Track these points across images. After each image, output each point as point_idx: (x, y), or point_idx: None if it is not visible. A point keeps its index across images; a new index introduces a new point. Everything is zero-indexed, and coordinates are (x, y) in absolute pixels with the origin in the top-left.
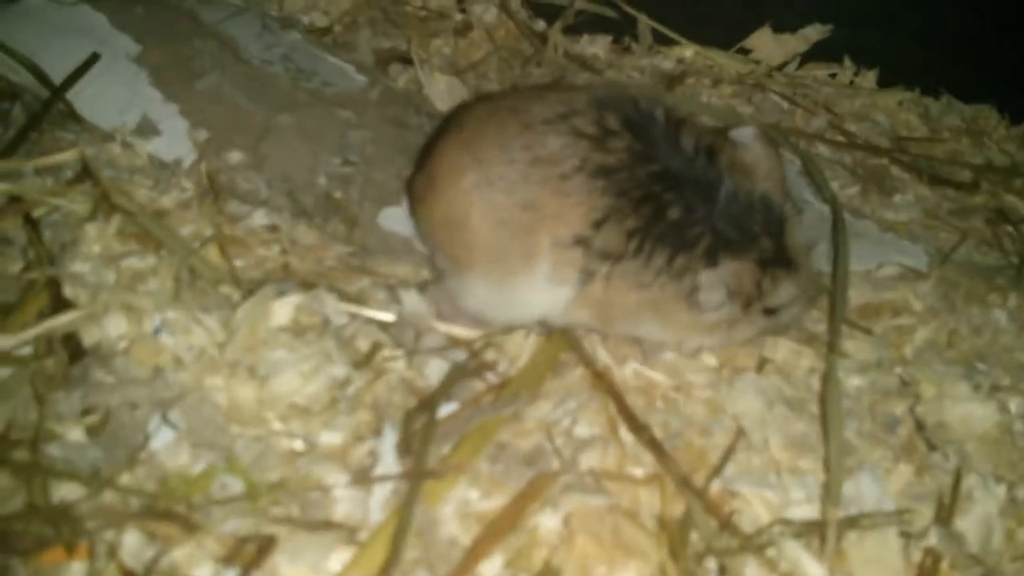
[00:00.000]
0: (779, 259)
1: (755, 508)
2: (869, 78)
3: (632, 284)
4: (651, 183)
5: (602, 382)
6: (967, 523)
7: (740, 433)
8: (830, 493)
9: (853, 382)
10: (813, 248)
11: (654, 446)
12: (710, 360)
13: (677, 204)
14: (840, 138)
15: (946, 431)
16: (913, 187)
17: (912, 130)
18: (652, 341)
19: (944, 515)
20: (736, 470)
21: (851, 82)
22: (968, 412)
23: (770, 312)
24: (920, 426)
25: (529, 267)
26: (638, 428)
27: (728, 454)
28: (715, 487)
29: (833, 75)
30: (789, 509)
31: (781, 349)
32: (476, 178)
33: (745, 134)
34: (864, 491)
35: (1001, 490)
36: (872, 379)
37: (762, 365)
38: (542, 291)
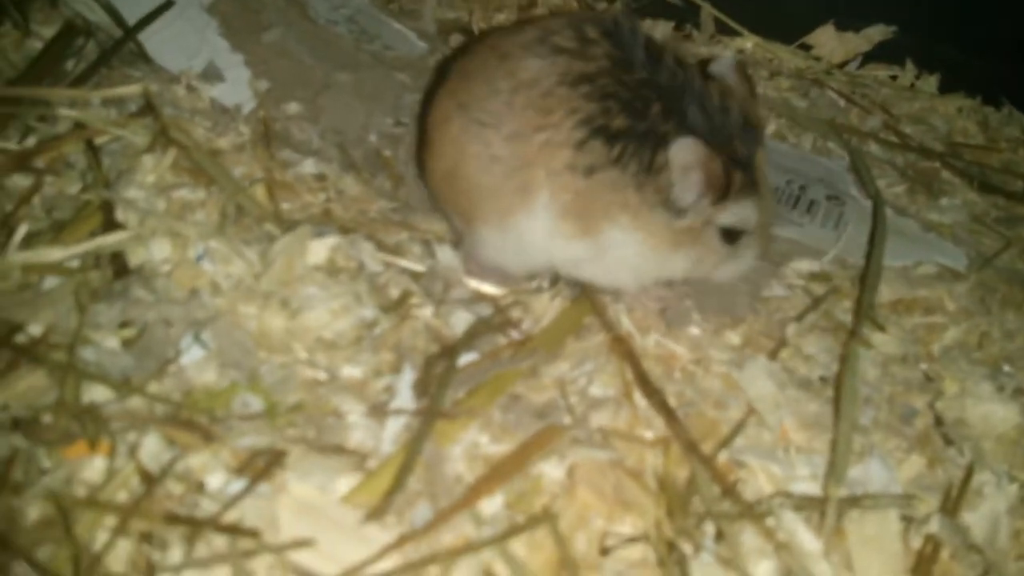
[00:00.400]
0: (746, 169)
1: (759, 479)
2: (930, 83)
3: (609, 187)
4: (634, 87)
5: (620, 346)
6: (974, 518)
7: (753, 410)
8: (834, 470)
9: (875, 372)
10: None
11: (664, 409)
12: (733, 338)
13: (657, 103)
14: (893, 138)
15: (964, 428)
16: (962, 192)
17: (969, 137)
18: (624, 266)
19: (950, 507)
20: (745, 443)
21: (911, 85)
22: (989, 411)
23: (729, 236)
24: (939, 421)
25: (527, 202)
26: (651, 391)
27: (739, 427)
28: (723, 457)
29: (894, 77)
30: (793, 484)
31: (806, 334)
32: (462, 122)
33: (723, 64)
34: (873, 475)
35: (1013, 489)
36: (895, 371)
37: (781, 348)
38: (543, 226)
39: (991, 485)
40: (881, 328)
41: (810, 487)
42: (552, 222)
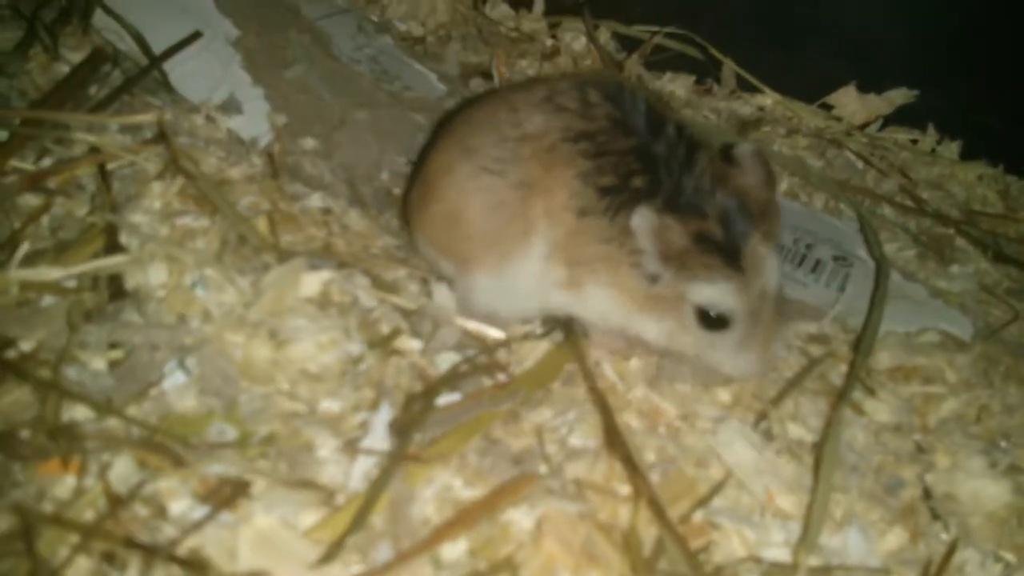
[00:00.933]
0: (726, 251)
1: (732, 543)
2: (951, 148)
3: (596, 237)
4: (624, 151)
5: (597, 396)
6: None
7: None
8: (806, 536)
9: (866, 439)
10: (782, 298)
11: (630, 464)
12: (723, 396)
13: (645, 175)
14: (909, 203)
15: (953, 503)
16: (975, 260)
17: (987, 205)
18: (609, 321)
19: None
20: (724, 504)
21: (932, 150)
22: (980, 488)
23: (710, 322)
24: (927, 494)
25: (525, 246)
26: (619, 445)
27: (716, 489)
28: (698, 517)
29: (915, 141)
30: (766, 549)
31: (798, 397)
32: (469, 168)
33: (742, 150)
34: (850, 546)
35: (997, 569)
36: (886, 440)
37: (771, 409)
38: (536, 268)
39: (974, 564)
40: (871, 392)
41: (782, 553)
42: (544, 264)
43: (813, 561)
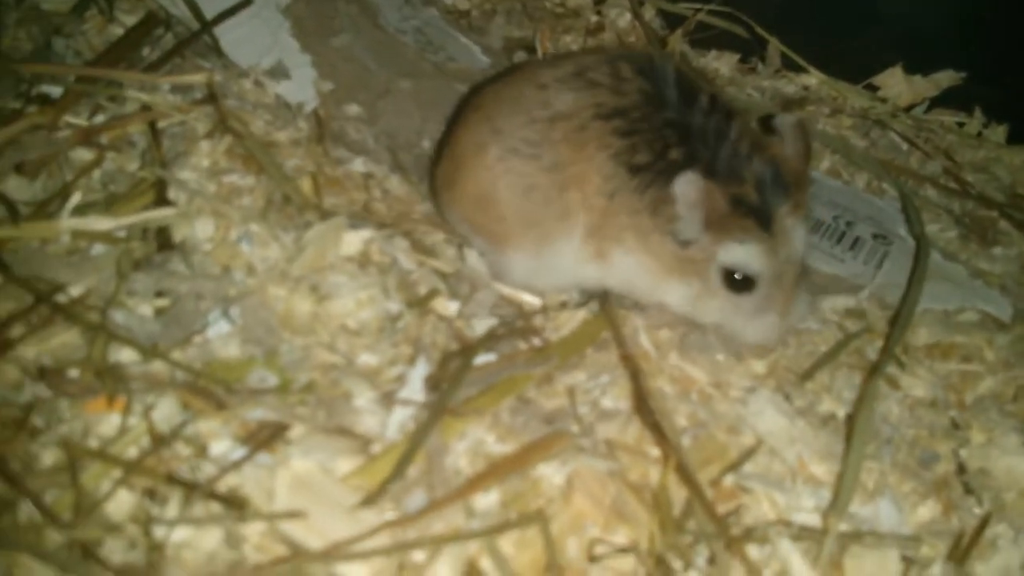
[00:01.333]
0: (758, 214)
1: (763, 507)
2: (998, 132)
3: (626, 209)
4: (660, 125)
5: (629, 362)
6: (984, 570)
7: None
8: (837, 502)
9: (900, 413)
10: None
11: (656, 428)
12: (757, 367)
13: (681, 147)
14: (953, 185)
15: (986, 478)
16: (1019, 243)
17: None
18: (636, 288)
19: (959, 555)
20: (754, 469)
21: (979, 134)
22: (1015, 464)
23: (735, 283)
24: (961, 469)
25: (566, 228)
26: (646, 409)
27: (748, 453)
28: (728, 481)
29: (961, 124)
30: (795, 514)
31: (833, 370)
32: (499, 150)
33: (783, 120)
34: (882, 515)
35: None
36: (921, 414)
37: (805, 381)
38: (572, 248)
39: (1006, 539)
40: (904, 367)
41: (812, 519)
42: (579, 243)
43: (843, 527)
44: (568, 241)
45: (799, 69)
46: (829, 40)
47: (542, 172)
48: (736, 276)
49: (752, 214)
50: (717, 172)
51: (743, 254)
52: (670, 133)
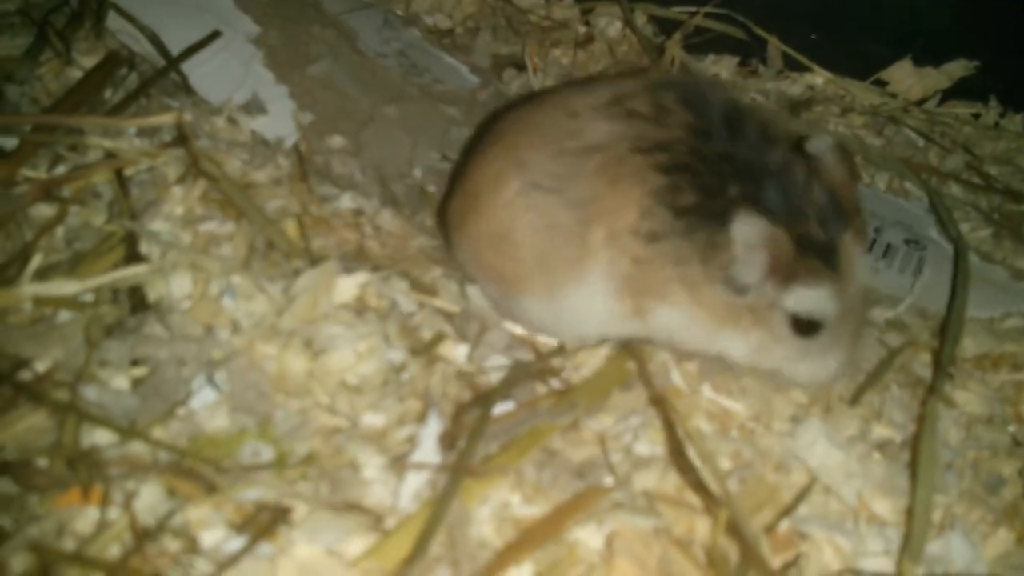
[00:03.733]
0: (824, 253)
1: (824, 554)
2: (1015, 121)
3: (670, 260)
4: (711, 160)
5: (660, 402)
6: None
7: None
8: (910, 546)
9: (958, 434)
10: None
11: (698, 485)
12: (800, 397)
13: (733, 180)
14: (976, 180)
15: None
16: None
17: None
18: (686, 344)
19: None
20: (810, 511)
21: (996, 124)
22: None
23: (802, 327)
24: None
25: (581, 273)
26: (682, 459)
27: (802, 494)
28: (784, 527)
29: (977, 115)
30: (863, 560)
31: (881, 391)
32: (521, 184)
33: (820, 144)
34: (954, 552)
35: None
36: (980, 433)
37: (856, 401)
38: (596, 297)
39: None
40: (957, 382)
41: (882, 563)
42: (605, 296)
43: (917, 572)
44: (581, 288)
45: (802, 68)
46: (831, 36)
47: (566, 210)
48: (804, 320)
49: (818, 255)
50: (775, 209)
51: (813, 299)
52: (719, 169)
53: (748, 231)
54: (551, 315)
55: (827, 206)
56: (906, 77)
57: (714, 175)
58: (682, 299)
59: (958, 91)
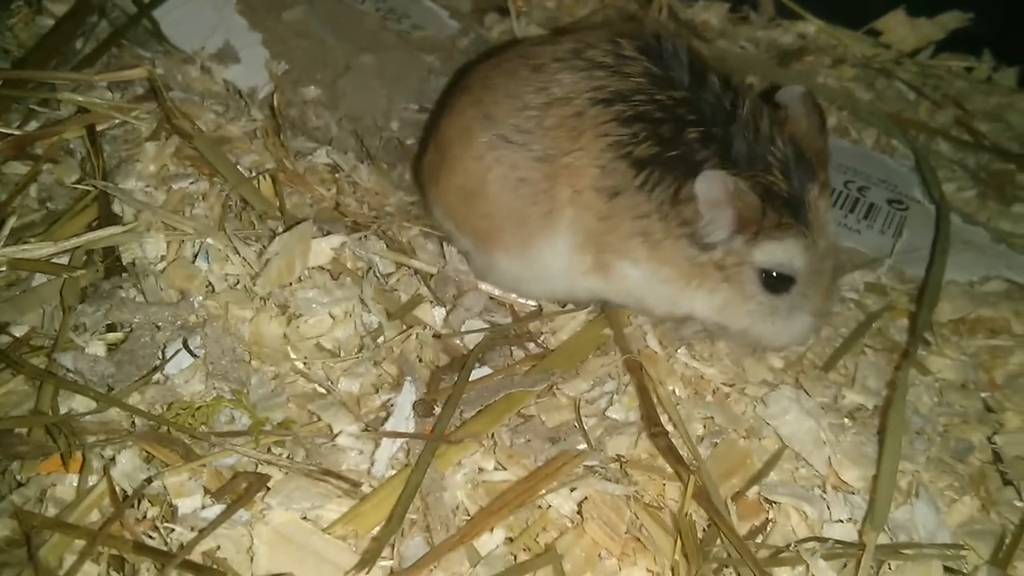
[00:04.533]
0: (793, 205)
1: (791, 520)
2: (1009, 76)
3: (631, 214)
4: (670, 106)
5: (636, 371)
6: None
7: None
8: (873, 514)
9: (930, 401)
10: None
11: (669, 452)
12: (775, 361)
13: (694, 127)
14: (966, 136)
15: None
16: None
17: None
18: (653, 306)
19: (1002, 557)
20: (779, 478)
21: (988, 78)
22: None
23: (772, 284)
24: (997, 457)
25: (550, 228)
26: (653, 425)
27: (772, 461)
28: (753, 493)
29: (969, 69)
30: (828, 527)
31: (855, 355)
32: (489, 138)
33: (790, 93)
34: (919, 519)
35: None
36: (952, 400)
37: (831, 367)
38: (563, 252)
39: None
40: (931, 347)
41: (847, 530)
42: (571, 252)
43: (880, 538)
44: (552, 243)
45: (794, 16)
46: None
47: (532, 163)
48: (774, 275)
49: (786, 207)
50: (739, 161)
51: (784, 253)
52: (684, 113)
53: (712, 187)
54: (522, 272)
55: (791, 158)
56: (899, 27)
57: (674, 123)
58: (644, 255)
59: (952, 43)
